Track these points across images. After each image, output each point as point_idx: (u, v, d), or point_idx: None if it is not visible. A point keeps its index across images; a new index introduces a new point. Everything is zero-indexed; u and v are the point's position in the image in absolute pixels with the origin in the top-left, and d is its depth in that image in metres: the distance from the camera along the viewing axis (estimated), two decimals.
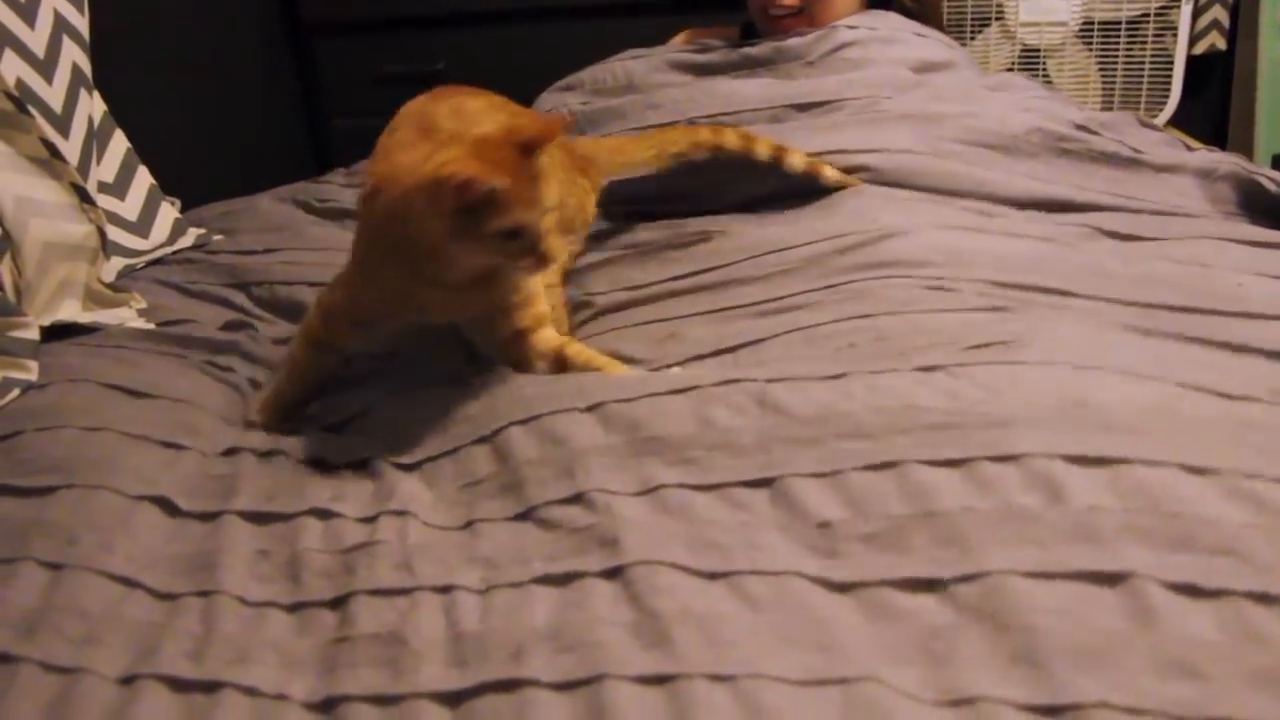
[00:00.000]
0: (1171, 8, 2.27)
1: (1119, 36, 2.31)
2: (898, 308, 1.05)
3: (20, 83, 1.29)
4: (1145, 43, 2.30)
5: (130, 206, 1.52)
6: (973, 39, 2.38)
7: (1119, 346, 0.94)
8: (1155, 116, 2.33)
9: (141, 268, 1.49)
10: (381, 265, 0.98)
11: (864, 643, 0.66)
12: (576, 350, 1.05)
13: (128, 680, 0.68)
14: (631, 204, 1.43)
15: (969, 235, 1.22)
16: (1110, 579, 0.67)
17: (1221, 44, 2.33)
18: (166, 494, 0.88)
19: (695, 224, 1.36)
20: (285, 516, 0.86)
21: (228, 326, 1.29)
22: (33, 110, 1.27)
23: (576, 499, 0.82)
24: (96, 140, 1.44)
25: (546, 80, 1.81)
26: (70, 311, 1.27)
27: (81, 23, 1.45)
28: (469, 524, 0.83)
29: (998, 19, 2.36)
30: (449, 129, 0.97)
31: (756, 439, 0.84)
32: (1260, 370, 0.92)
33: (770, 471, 0.81)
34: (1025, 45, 2.36)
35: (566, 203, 1.14)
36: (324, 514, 0.85)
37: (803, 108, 1.53)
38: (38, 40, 1.34)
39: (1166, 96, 2.32)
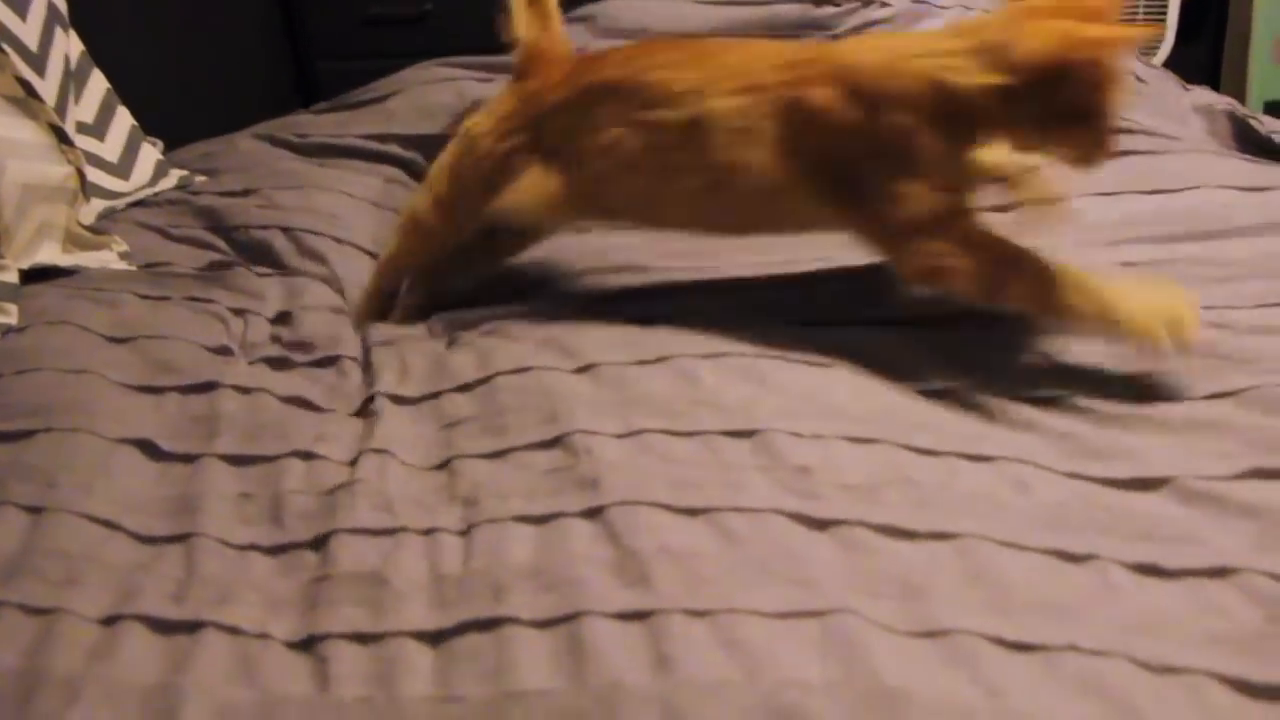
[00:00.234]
0: None
1: None
2: None
3: None
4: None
5: (110, 148, 1.50)
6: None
7: None
8: (1150, 60, 2.31)
9: (123, 210, 1.47)
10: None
11: (840, 577, 0.67)
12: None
13: (109, 621, 0.68)
14: None
15: None
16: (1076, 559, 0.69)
17: None
18: (147, 436, 0.88)
19: None
20: (268, 458, 0.85)
21: (210, 267, 1.29)
22: (6, 47, 1.25)
23: (557, 441, 0.83)
24: (74, 80, 1.42)
25: None
26: (50, 254, 1.26)
27: None
28: (447, 462, 0.84)
29: None
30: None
31: (740, 401, 0.86)
32: None
33: (753, 425, 0.82)
34: None
35: None
36: (306, 455, 0.85)
37: None
38: None
39: (1161, 40, 2.29)
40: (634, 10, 1.81)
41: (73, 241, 1.29)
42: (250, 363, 1.04)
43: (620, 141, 0.99)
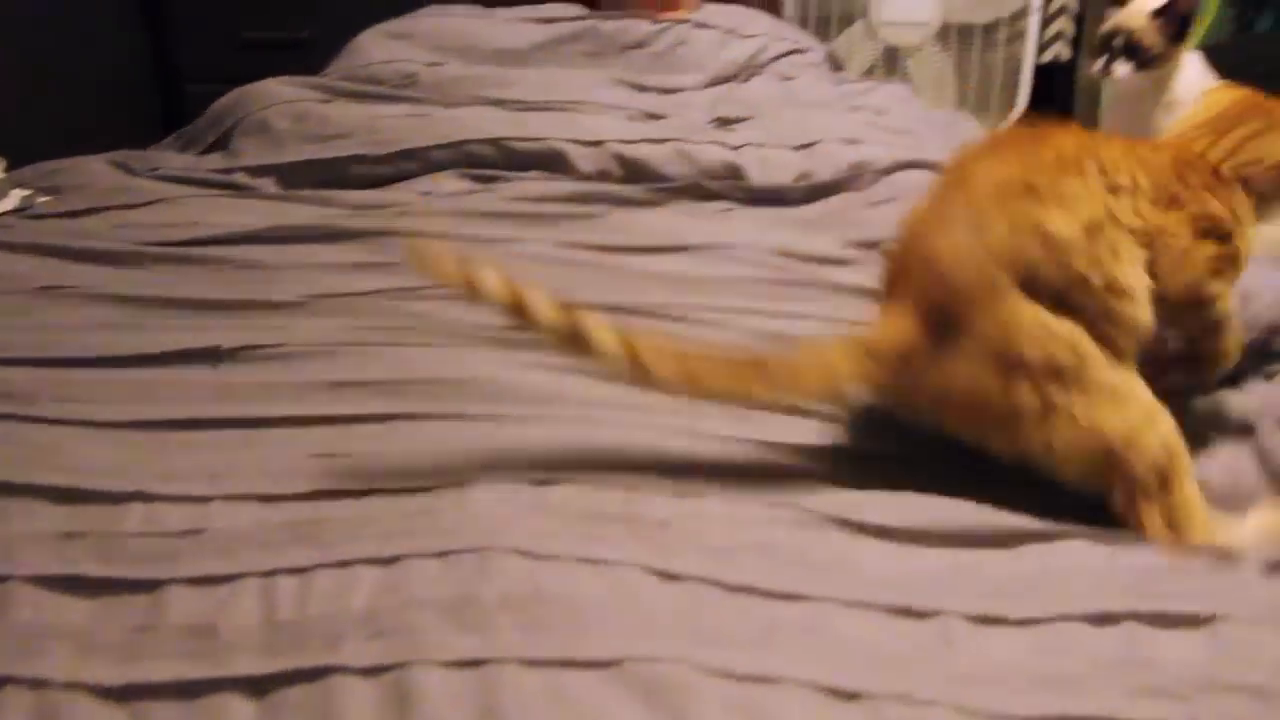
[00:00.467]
0: (1022, 17, 2.36)
1: (974, 41, 2.39)
2: None
3: None
4: (997, 49, 2.39)
5: None
6: (837, 35, 2.43)
7: None
8: (1004, 119, 2.42)
9: None
10: None
11: (682, 629, 0.67)
12: None
13: None
14: None
15: None
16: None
17: (1067, 54, 2.44)
18: None
19: None
20: (106, 496, 0.81)
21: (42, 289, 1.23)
22: None
23: (427, 488, 0.81)
24: None
25: None
26: None
27: None
28: (311, 495, 0.81)
29: (862, 17, 2.41)
30: None
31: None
32: None
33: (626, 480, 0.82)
34: (888, 44, 2.42)
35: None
36: (148, 497, 0.81)
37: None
38: None
39: (1015, 100, 2.41)
40: (452, 28, 1.82)
41: None
42: None
43: None
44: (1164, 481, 0.82)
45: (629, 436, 0.90)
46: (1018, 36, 2.37)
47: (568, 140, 1.53)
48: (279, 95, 1.66)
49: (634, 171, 1.51)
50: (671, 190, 1.49)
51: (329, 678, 0.63)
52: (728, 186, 1.49)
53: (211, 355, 1.05)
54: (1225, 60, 2.71)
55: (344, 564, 0.73)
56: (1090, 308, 0.84)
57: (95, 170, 1.62)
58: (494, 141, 1.53)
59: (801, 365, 0.85)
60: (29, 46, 2.03)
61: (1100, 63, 1.42)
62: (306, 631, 0.67)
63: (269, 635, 0.67)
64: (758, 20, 1.92)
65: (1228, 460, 0.94)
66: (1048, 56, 2.43)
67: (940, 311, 0.84)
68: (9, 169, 1.58)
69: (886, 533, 0.80)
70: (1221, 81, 1.48)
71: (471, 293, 0.79)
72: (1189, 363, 0.98)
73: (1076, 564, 0.78)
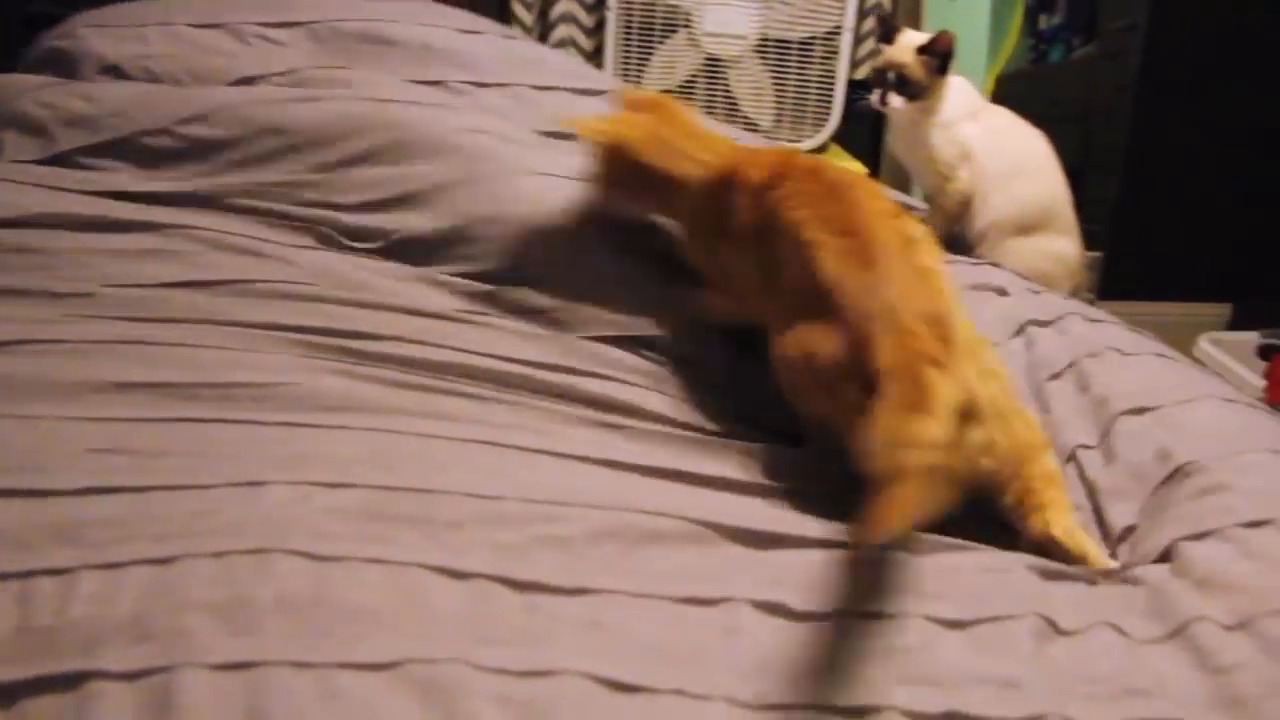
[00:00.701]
0: (836, 34, 2.46)
1: (791, 56, 2.48)
2: None
3: None
4: (814, 63, 2.48)
5: None
6: (662, 43, 2.47)
7: None
8: (819, 132, 2.51)
9: None
10: None
11: (462, 628, 0.67)
12: None
13: None
14: None
15: None
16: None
17: None
18: None
19: None
20: None
21: None
22: None
23: (212, 486, 0.78)
24: None
25: None
26: None
27: None
28: (84, 491, 0.77)
29: (684, 27, 2.46)
30: None
31: (411, 457, 0.85)
32: None
33: (421, 484, 0.81)
34: (709, 55, 2.47)
35: None
36: None
37: None
38: None
39: (829, 115, 2.51)
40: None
41: None
42: None
43: None
44: None
45: (427, 445, 0.89)
46: (833, 53, 2.46)
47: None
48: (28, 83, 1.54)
49: None
50: None
51: (85, 684, 0.60)
52: None
53: None
54: (1021, 86, 2.90)
55: (112, 566, 0.69)
56: None
57: None
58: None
59: None
60: None
61: (876, 95, 1.57)
62: (64, 636, 0.64)
63: (22, 641, 0.64)
64: None
65: None
66: (860, 73, 2.54)
67: None
68: None
69: (682, 524, 0.82)
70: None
71: None
72: None
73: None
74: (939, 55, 1.53)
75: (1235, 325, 2.47)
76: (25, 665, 0.62)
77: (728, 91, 2.49)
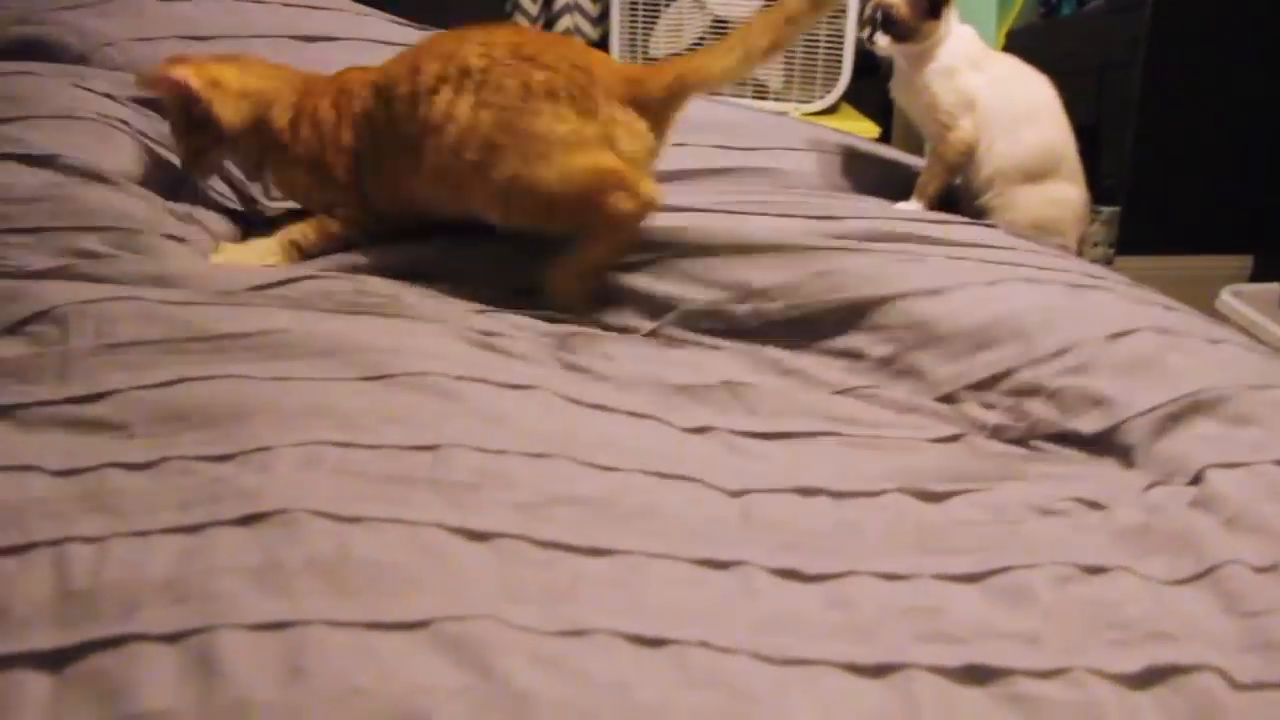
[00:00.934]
0: None
1: None
2: None
3: None
4: (821, 23, 2.45)
5: None
6: (667, 7, 2.45)
7: None
8: (830, 92, 2.50)
9: None
10: None
11: (489, 586, 0.68)
12: None
13: None
14: None
15: None
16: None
17: None
18: None
19: None
20: None
21: None
22: None
23: (227, 458, 0.79)
24: None
25: None
26: None
27: None
28: (98, 467, 0.78)
29: None
30: None
31: (430, 417, 0.85)
32: None
33: (436, 440, 0.82)
34: (716, 16, 2.45)
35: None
36: None
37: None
38: None
39: (839, 75, 2.49)
40: None
41: None
42: None
43: None
44: None
45: (430, 391, 0.89)
46: (841, 11, 2.44)
47: None
48: None
49: None
50: None
51: (127, 645, 0.62)
52: None
53: None
54: (1032, 41, 2.87)
55: (141, 534, 0.71)
56: None
57: None
58: None
59: None
60: None
61: (865, 33, 1.57)
62: (102, 600, 0.65)
63: (62, 606, 0.65)
64: None
65: None
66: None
67: None
68: None
69: (694, 481, 0.83)
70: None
71: None
72: None
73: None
74: None
75: (1257, 277, 2.45)
76: (71, 630, 0.63)
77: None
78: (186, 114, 1.21)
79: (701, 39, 2.45)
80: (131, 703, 0.58)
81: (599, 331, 1.13)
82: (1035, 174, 1.55)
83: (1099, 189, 1.61)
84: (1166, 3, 2.36)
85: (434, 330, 1.03)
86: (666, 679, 0.63)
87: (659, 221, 1.18)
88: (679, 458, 0.86)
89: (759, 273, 1.14)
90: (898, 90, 1.63)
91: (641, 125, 1.16)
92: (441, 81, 1.14)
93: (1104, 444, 0.97)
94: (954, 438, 0.98)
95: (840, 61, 2.47)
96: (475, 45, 1.14)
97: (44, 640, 0.63)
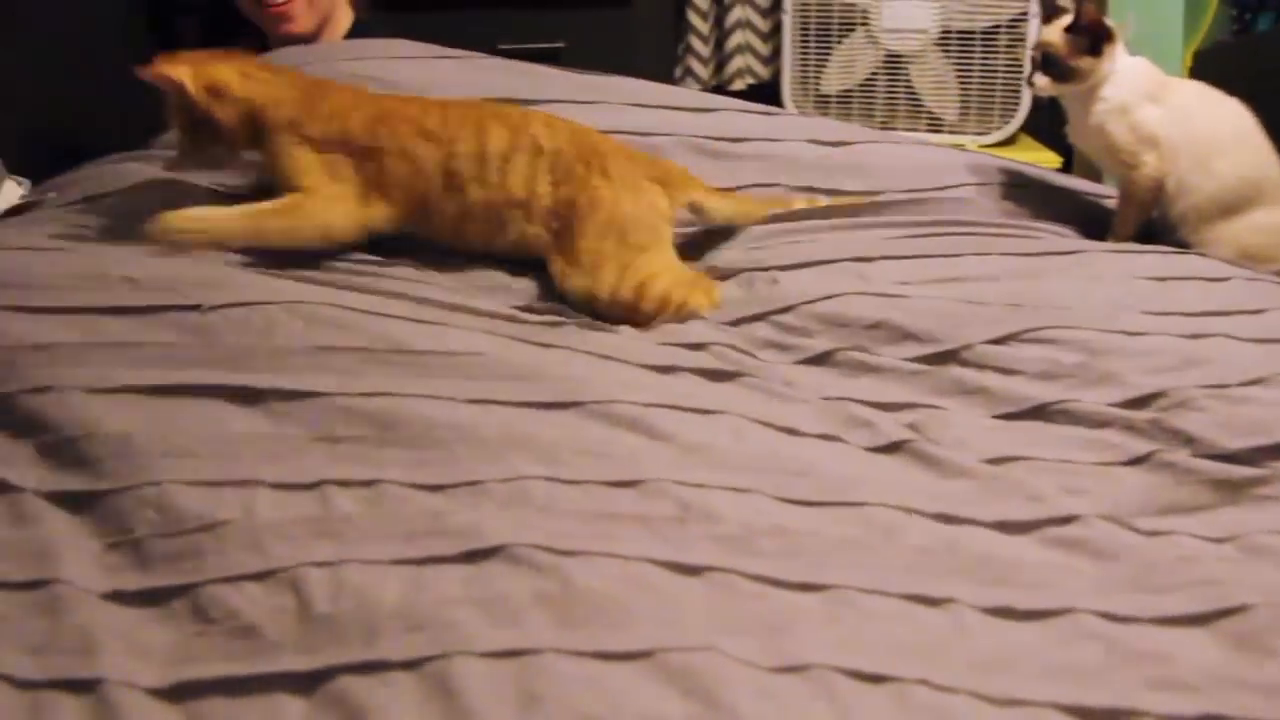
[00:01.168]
0: (1021, 20, 2.38)
1: (975, 46, 2.42)
2: None
3: None
4: (998, 53, 2.41)
5: None
6: (839, 43, 2.46)
7: None
8: (1008, 124, 2.45)
9: None
10: None
11: (705, 618, 0.70)
12: None
13: None
14: None
15: None
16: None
17: None
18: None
19: None
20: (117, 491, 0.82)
21: None
22: None
23: (439, 488, 0.83)
24: None
25: None
26: None
27: None
28: (317, 485, 0.83)
29: (862, 25, 2.44)
30: None
31: (628, 451, 0.88)
32: None
33: (637, 475, 0.84)
34: (889, 51, 2.44)
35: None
36: (157, 484, 0.82)
37: None
38: None
39: (1018, 105, 2.43)
40: None
41: None
42: None
43: None
44: None
45: (621, 423, 0.92)
46: (1018, 41, 2.39)
47: None
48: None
49: None
50: None
51: (371, 671, 0.65)
52: None
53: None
54: (1224, 60, 2.74)
55: (371, 562, 0.75)
56: None
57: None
58: None
59: None
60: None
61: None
62: (343, 626, 0.69)
63: (307, 629, 0.69)
64: None
65: None
66: None
67: None
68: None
69: (892, 508, 0.83)
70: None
71: None
72: None
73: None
74: (1087, 33, 1.46)
75: None
76: (318, 654, 0.67)
77: (909, 87, 2.45)
78: (186, 109, 1.21)
79: (874, 74, 2.45)
80: None
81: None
82: (1233, 206, 1.47)
83: None
84: None
85: (613, 352, 1.06)
86: (887, 716, 0.63)
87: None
88: (873, 484, 0.87)
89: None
90: (1074, 135, 1.57)
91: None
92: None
93: None
94: (1149, 456, 0.94)
95: (1018, 91, 2.42)
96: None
97: (295, 663, 0.67)
